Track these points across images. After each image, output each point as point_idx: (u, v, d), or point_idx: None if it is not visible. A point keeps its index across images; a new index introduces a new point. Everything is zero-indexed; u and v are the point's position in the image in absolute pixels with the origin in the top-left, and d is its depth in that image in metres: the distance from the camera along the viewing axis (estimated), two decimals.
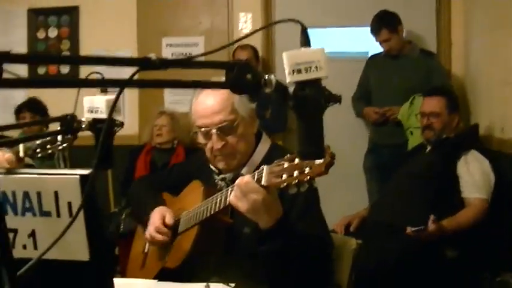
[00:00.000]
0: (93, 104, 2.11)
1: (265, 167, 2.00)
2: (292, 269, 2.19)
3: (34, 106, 5.31)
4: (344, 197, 5.08)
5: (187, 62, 1.40)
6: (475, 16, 5.27)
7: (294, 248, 2.14)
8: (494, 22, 4.57)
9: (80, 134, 2.02)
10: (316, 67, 1.47)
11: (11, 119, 5.07)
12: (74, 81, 1.15)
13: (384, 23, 5.19)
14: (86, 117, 2.11)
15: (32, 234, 1.67)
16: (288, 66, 1.44)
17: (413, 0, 5.71)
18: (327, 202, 2.70)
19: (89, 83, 1.19)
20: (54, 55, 5.72)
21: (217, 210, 2.25)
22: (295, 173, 1.87)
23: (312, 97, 1.47)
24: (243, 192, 2.04)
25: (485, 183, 3.88)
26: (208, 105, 2.44)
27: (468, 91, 5.41)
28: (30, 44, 6.28)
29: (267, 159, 2.36)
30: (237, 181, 2.07)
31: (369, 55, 5.61)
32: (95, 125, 2.14)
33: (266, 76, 1.42)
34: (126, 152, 5.74)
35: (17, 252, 1.68)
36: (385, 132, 5.25)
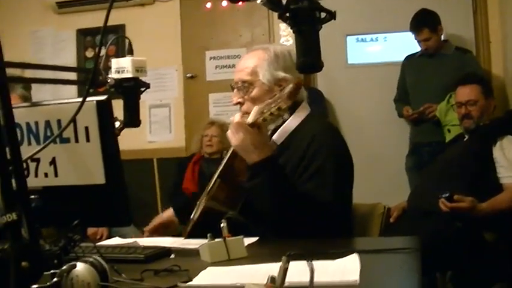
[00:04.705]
0: (120, 65, 2.25)
1: (254, 107, 2.27)
2: (278, 207, 2.32)
3: None
4: (387, 198, 5.06)
5: None
6: (511, 11, 5.25)
7: (280, 188, 2.30)
8: None
9: None
10: None
11: None
12: None
13: (426, 22, 5.24)
14: (113, 77, 2.24)
15: (53, 162, 1.76)
16: None
17: (450, 2, 5.73)
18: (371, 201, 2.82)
19: None
20: None
21: (229, 155, 2.43)
22: (272, 106, 2.14)
23: (306, 9, 1.53)
24: (234, 129, 2.30)
25: None
26: (240, 63, 2.67)
27: (507, 87, 5.39)
28: (79, 63, 6.50)
29: (300, 129, 2.54)
30: (231, 118, 2.37)
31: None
32: (121, 84, 2.26)
33: None
34: (173, 164, 5.88)
35: (40, 181, 1.78)
36: (425, 130, 5.27)
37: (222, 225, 1.91)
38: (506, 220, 3.71)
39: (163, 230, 2.80)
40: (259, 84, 2.54)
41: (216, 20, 6.17)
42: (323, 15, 1.56)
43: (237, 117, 2.35)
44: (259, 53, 2.61)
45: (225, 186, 2.43)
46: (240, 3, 1.64)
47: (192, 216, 2.58)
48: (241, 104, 2.58)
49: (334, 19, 1.57)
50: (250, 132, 2.28)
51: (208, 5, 6.13)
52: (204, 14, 6.15)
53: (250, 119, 2.27)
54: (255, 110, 2.28)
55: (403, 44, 5.77)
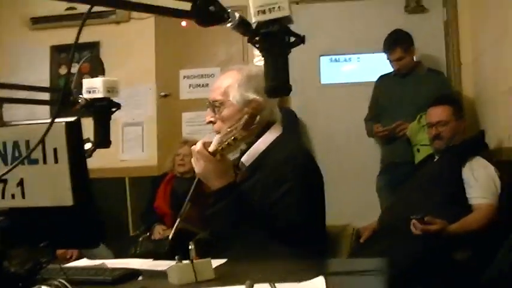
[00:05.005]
0: (91, 85, 2.24)
1: (216, 136, 2.35)
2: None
3: None
4: (358, 218, 5.02)
5: None
6: (481, 33, 5.35)
7: (240, 214, 2.35)
8: (500, 34, 4.61)
9: None
10: (279, 7, 1.53)
11: None
12: None
13: (399, 42, 5.30)
14: (84, 97, 2.24)
15: (20, 183, 1.74)
16: (253, 8, 1.53)
17: (422, 23, 5.82)
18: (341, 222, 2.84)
19: None
20: None
21: (196, 180, 2.47)
22: (228, 136, 2.24)
23: (276, 34, 1.54)
24: (196, 157, 2.37)
25: (490, 188, 3.91)
26: (215, 82, 2.70)
27: (478, 108, 5.46)
28: (53, 80, 6.46)
29: (270, 150, 2.55)
30: (193, 147, 2.40)
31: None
32: (92, 104, 2.26)
33: (229, 10, 1.53)
34: (146, 182, 5.86)
35: (7, 203, 1.76)
36: (396, 151, 5.29)
37: (190, 247, 1.92)
38: (477, 240, 3.75)
39: None
40: (229, 104, 2.56)
41: (191, 38, 6.16)
42: (292, 39, 1.57)
43: (198, 146, 2.38)
44: (234, 73, 2.63)
45: (196, 208, 2.46)
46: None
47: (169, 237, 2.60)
48: (213, 123, 2.61)
49: (304, 43, 1.58)
50: (211, 160, 2.34)
51: (184, 23, 6.12)
52: (179, 32, 6.14)
53: (211, 147, 2.34)
54: (216, 138, 2.35)
55: (376, 65, 5.83)
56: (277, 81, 1.56)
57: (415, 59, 5.45)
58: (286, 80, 1.56)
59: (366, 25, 5.93)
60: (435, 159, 4.28)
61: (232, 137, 2.25)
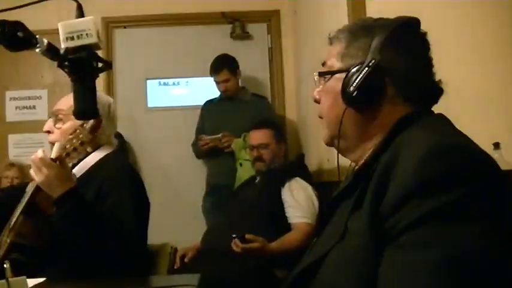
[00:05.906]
0: None
1: (56, 143, 2.37)
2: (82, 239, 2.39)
3: None
4: (184, 238, 5.05)
5: None
6: (302, 61, 5.63)
7: (85, 217, 2.40)
8: (316, 63, 4.86)
9: None
10: (87, 34, 1.61)
11: None
12: None
13: (225, 64, 5.48)
14: None
15: None
16: (62, 34, 1.61)
17: (247, 49, 6.06)
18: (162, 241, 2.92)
19: None
20: None
21: (31, 193, 2.45)
22: (74, 141, 2.34)
23: (84, 60, 1.62)
24: (37, 166, 2.34)
25: (309, 208, 4.07)
26: (64, 97, 2.78)
27: (300, 132, 5.73)
28: None
29: (100, 165, 2.68)
30: (32, 157, 2.37)
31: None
32: None
33: (37, 36, 1.59)
34: None
35: None
36: (221, 173, 5.43)
37: (5, 266, 1.93)
38: (295, 257, 3.91)
39: None
40: (71, 118, 2.63)
41: (17, 59, 6.02)
42: (100, 64, 1.66)
43: (39, 153, 2.38)
44: None
45: (29, 221, 2.46)
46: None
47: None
48: (49, 132, 2.71)
49: (111, 68, 1.68)
50: (54, 167, 2.35)
51: None
52: (4, 52, 5.95)
53: (53, 154, 2.36)
54: (57, 145, 2.38)
55: (204, 89, 5.96)
56: (84, 104, 1.64)
57: (240, 84, 5.65)
58: (94, 104, 1.65)
59: (193, 50, 6.07)
60: (257, 180, 4.45)
61: (79, 142, 2.35)
